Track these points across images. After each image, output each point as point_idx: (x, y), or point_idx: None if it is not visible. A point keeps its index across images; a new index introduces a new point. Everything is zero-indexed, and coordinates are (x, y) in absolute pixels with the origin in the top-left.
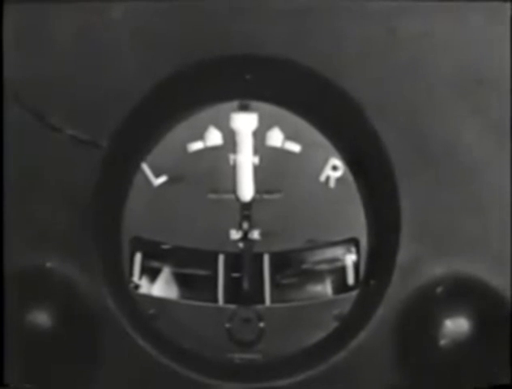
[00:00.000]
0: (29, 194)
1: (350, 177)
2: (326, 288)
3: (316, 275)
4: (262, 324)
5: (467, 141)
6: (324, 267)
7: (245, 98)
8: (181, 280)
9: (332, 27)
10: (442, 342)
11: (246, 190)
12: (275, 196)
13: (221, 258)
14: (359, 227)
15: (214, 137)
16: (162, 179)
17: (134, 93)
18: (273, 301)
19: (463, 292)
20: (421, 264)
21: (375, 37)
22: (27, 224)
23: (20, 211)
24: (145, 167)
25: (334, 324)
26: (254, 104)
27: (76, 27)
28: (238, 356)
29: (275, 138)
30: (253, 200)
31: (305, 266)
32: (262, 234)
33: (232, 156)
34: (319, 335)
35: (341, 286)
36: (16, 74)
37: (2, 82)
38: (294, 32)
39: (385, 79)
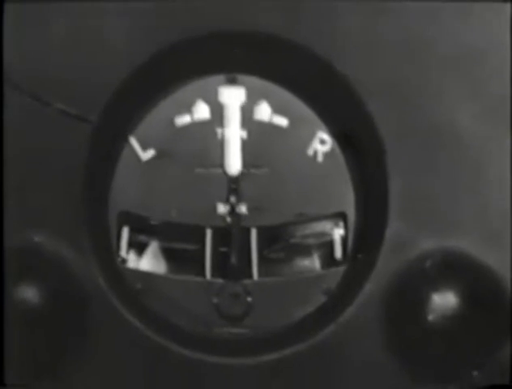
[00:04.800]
0: (16, 169)
1: (338, 151)
2: (313, 262)
3: (304, 250)
4: (249, 299)
5: (459, 119)
6: (312, 241)
7: (232, 72)
8: (169, 255)
9: (321, 2)
10: (430, 317)
11: (234, 164)
12: (263, 170)
13: (209, 233)
14: (347, 201)
15: (201, 111)
16: (150, 153)
17: (122, 68)
18: (261, 275)
19: (452, 267)
20: (409, 239)
21: (366, 12)
22: (14, 201)
23: (8, 188)
24: (133, 141)
25: (322, 299)
26: (242, 78)
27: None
28: (226, 331)
29: (263, 112)
30: (241, 174)
31: (292, 240)
32: (250, 208)
33: (219, 130)
34: (307, 309)
35: (329, 261)
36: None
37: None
38: (282, 6)
39: (375, 54)
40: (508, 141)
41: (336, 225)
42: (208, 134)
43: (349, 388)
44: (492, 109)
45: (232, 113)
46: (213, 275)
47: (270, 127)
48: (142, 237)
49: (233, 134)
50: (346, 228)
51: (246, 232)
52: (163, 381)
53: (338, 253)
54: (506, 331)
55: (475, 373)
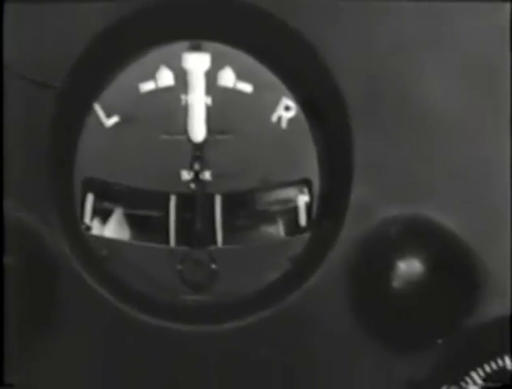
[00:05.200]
0: None
1: (302, 118)
2: (278, 229)
3: (268, 217)
4: (214, 266)
5: (428, 88)
6: (277, 208)
7: (197, 38)
8: (133, 222)
9: None
10: (395, 283)
11: (198, 130)
12: (227, 137)
13: (173, 199)
14: (311, 168)
15: (165, 77)
16: (114, 120)
17: (85, 34)
18: (225, 242)
19: (417, 234)
20: (375, 206)
21: None
22: None
23: None
24: (97, 108)
25: (287, 265)
26: (206, 44)
27: None
28: (190, 298)
29: (227, 78)
30: (205, 141)
31: (257, 207)
32: (214, 175)
33: (183, 97)
34: (272, 276)
35: (294, 227)
36: None
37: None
38: None
39: (342, 20)
40: (477, 111)
41: (301, 192)
42: (172, 101)
43: (316, 355)
44: (464, 80)
45: (197, 80)
46: (177, 242)
47: (235, 93)
48: (106, 204)
49: (198, 101)
50: (311, 194)
51: (211, 199)
52: (128, 348)
53: (302, 219)
54: (472, 298)
55: (439, 340)
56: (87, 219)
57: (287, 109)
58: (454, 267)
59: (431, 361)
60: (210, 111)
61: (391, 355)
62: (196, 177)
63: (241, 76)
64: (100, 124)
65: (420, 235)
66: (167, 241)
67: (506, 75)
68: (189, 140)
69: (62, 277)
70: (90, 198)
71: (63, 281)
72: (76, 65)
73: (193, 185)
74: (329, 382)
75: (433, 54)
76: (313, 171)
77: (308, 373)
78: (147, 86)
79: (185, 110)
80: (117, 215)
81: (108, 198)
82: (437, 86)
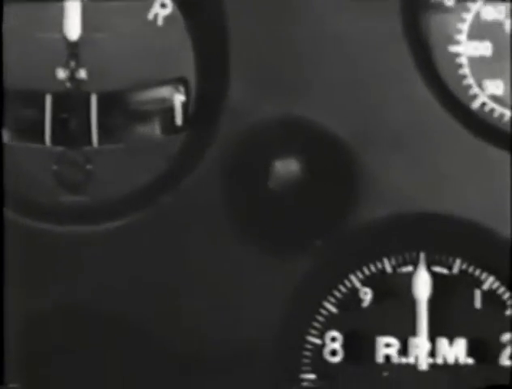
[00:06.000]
0: None
1: (178, 15)
2: (154, 129)
3: (144, 116)
4: (89, 166)
5: None
6: (152, 107)
7: None
8: (9, 122)
9: None
10: (272, 184)
11: (73, 28)
12: (103, 35)
13: (48, 99)
14: (187, 66)
15: None
16: None
17: None
18: (101, 142)
19: (294, 134)
20: (252, 105)
21: None
22: None
23: None
24: None
25: (164, 166)
26: None
27: None
28: (66, 199)
29: None
30: (81, 39)
31: (132, 106)
32: (90, 73)
33: None
34: (148, 177)
35: (170, 127)
36: None
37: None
38: None
39: None
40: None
41: (177, 91)
42: None
43: (191, 257)
44: None
45: None
46: (53, 142)
47: None
48: None
49: None
50: (187, 93)
51: (86, 98)
52: (7, 251)
53: (178, 119)
54: (350, 200)
55: (318, 242)
56: None
57: (163, 6)
58: (331, 168)
59: (310, 264)
60: (85, 8)
61: (269, 257)
62: (71, 76)
63: None
64: None
65: (297, 135)
66: (42, 141)
67: None
68: (65, 38)
69: None
70: None
71: None
72: None
73: (68, 84)
74: (206, 283)
75: None
76: (189, 70)
77: (186, 276)
78: None
79: (60, 8)
80: None
81: None
82: None
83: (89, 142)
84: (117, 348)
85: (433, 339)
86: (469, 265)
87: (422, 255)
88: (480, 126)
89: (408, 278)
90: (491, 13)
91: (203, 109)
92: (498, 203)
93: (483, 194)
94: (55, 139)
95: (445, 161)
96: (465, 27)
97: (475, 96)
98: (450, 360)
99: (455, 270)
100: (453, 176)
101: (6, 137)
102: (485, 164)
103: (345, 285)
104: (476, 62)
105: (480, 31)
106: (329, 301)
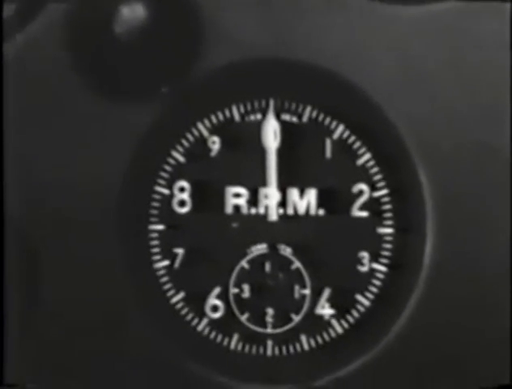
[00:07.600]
0: None
1: None
2: None
3: None
4: None
5: None
6: None
7: None
8: None
9: None
10: (118, 29)
11: None
12: None
13: None
14: None
15: None
16: None
17: None
18: None
19: None
20: None
21: None
22: None
23: None
24: None
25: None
26: None
27: None
28: None
29: None
30: None
31: None
32: None
33: None
34: None
35: None
36: None
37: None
38: None
39: None
40: None
41: None
42: None
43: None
44: None
45: None
46: None
47: None
48: None
49: None
50: None
51: None
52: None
53: None
54: (197, 45)
55: (164, 89)
56: None
57: None
58: (179, 12)
59: (156, 112)
60: None
61: (114, 105)
62: None
63: None
64: None
65: None
66: None
67: None
68: None
69: None
70: None
71: None
72: None
73: None
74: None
75: None
76: None
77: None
78: None
79: None
80: None
81: None
82: None
83: None
84: None
85: (283, 189)
86: (319, 113)
87: (271, 103)
88: None
89: (257, 126)
90: None
91: None
92: (354, 52)
93: (338, 43)
94: None
95: (300, 8)
96: None
97: None
98: (301, 210)
99: (305, 118)
100: (307, 23)
101: None
102: (344, 12)
103: (193, 134)
104: None
105: None
106: (177, 151)
